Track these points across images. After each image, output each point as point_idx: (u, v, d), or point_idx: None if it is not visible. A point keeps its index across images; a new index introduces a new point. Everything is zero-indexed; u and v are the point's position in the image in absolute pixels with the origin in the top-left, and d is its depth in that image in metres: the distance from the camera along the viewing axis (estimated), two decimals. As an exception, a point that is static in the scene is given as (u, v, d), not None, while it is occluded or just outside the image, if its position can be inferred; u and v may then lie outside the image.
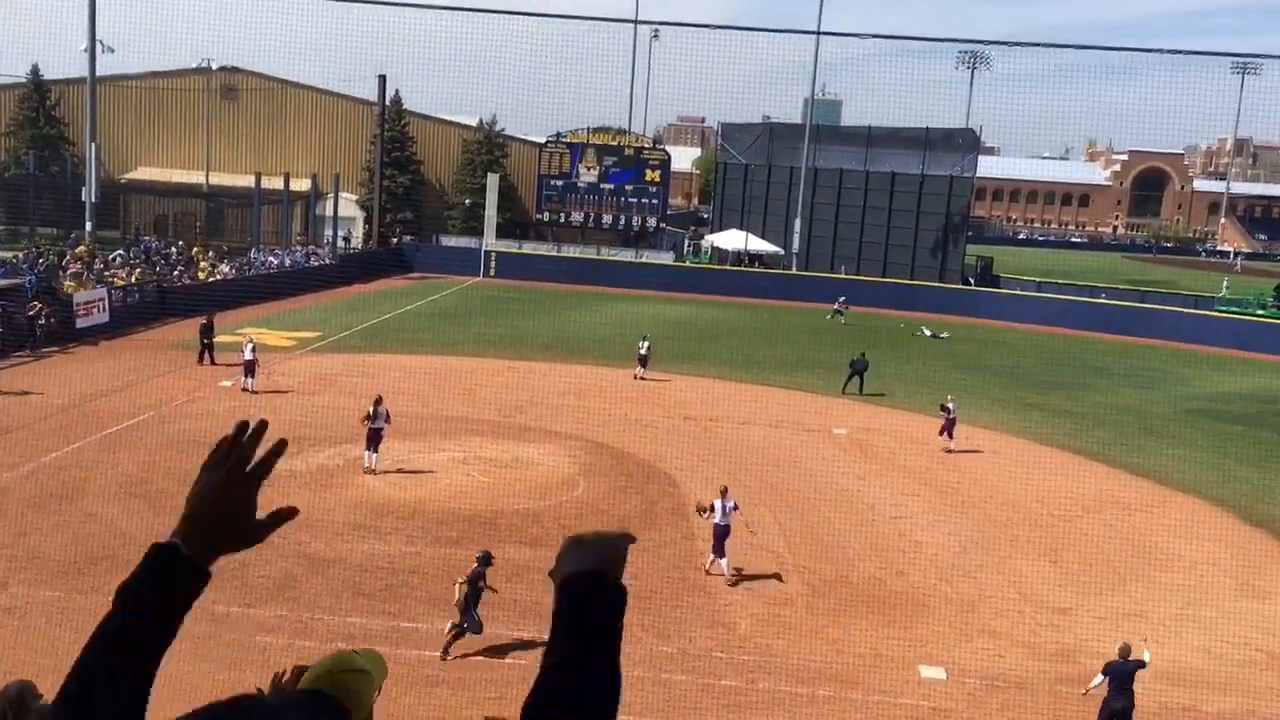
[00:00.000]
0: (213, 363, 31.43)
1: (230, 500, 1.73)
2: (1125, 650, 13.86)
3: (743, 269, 62.66)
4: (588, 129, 67.46)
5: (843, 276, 60.46)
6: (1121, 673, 13.63)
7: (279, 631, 15.14)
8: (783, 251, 64.09)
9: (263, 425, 1.83)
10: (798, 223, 63.25)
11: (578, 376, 32.81)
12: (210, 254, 49.79)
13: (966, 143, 64.11)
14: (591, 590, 1.70)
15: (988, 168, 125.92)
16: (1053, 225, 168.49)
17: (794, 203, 63.74)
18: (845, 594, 17.79)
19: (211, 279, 46.07)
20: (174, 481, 21.06)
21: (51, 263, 40.93)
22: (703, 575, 18.04)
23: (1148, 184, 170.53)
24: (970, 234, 70.91)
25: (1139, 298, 61.25)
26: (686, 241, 70.30)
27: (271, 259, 53.34)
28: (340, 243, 61.45)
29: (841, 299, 52.99)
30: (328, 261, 56.55)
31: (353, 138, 68.61)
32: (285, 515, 1.80)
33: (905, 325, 49.73)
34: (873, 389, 32.86)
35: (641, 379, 32.97)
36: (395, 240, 64.64)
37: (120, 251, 47.21)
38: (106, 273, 41.32)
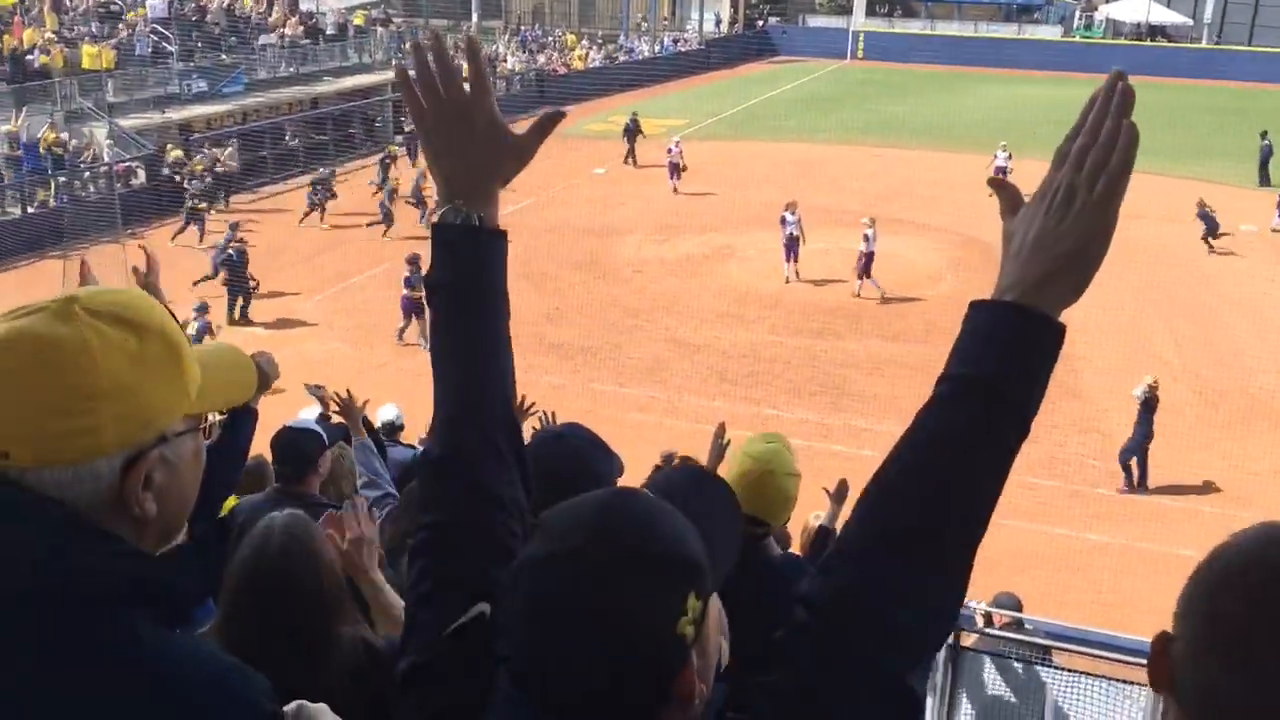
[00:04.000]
0: (635, 163, 31.75)
1: (462, 134, 1.53)
2: None
3: (1144, 43, 56.22)
4: (970, -111, 61.74)
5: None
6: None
7: (650, 410, 16.03)
8: (1192, 21, 56.71)
9: (437, 41, 1.58)
10: (1213, -13, 55.46)
11: (949, 166, 31.13)
12: (584, 41, 51.11)
13: None
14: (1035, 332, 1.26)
15: None
16: None
17: (1210, -36, 55.77)
18: (1242, 406, 16.30)
19: (585, 67, 47.46)
20: (553, 264, 22.43)
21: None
22: (1077, 380, 17.09)
23: None
24: None
25: None
26: (1078, 13, 63.73)
27: (640, 45, 54.00)
28: (710, 26, 60.97)
29: None
30: (694, 47, 56.47)
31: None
32: (554, 118, 1.60)
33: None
34: (1282, 179, 28.96)
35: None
36: (760, 23, 63.30)
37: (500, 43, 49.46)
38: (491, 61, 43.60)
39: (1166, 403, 16.53)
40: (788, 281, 21.65)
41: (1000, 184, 1.40)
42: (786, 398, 16.51)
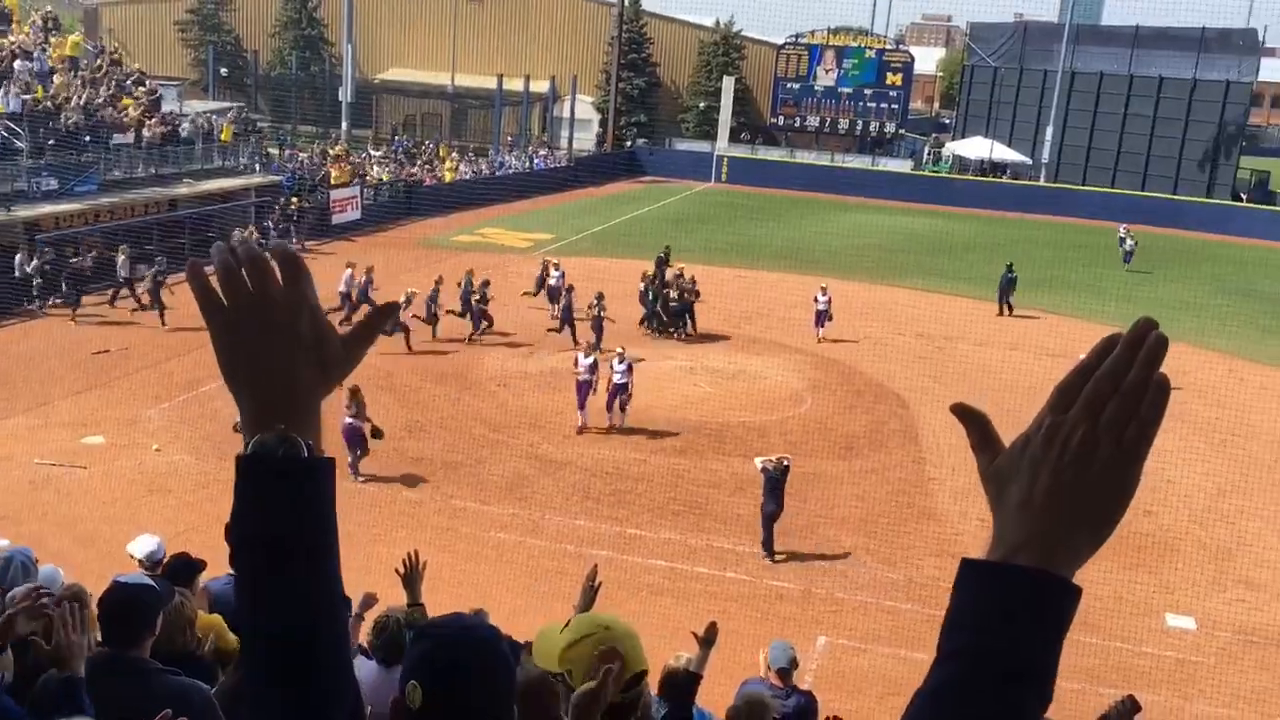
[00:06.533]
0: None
1: (281, 337, 1.20)
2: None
3: (987, 179, 59.64)
4: (828, 29, 65.20)
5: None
6: (773, 477, 14.96)
7: (512, 529, 15.69)
8: (1030, 161, 60.54)
9: (257, 254, 1.23)
10: (1049, 131, 59.42)
11: (807, 288, 32.08)
12: (454, 154, 51.48)
13: (1246, 44, 58.10)
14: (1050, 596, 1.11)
15: (1271, 72, 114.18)
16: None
17: (1046, 109, 59.83)
18: (1113, 540, 16.86)
19: (455, 179, 47.71)
20: (415, 376, 22.04)
21: (314, 160, 43.30)
22: (931, 501, 17.48)
23: None
24: (1245, 145, 64.70)
25: None
26: (926, 149, 67.40)
27: (510, 160, 54.64)
28: (587, 145, 62.09)
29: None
30: (563, 164, 57.45)
31: (592, 39, 68.73)
32: (385, 313, 1.34)
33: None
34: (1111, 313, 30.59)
35: (822, 341, 26.81)
36: (629, 143, 64.93)
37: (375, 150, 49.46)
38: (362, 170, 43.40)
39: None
40: (580, 431, 19.75)
41: (968, 413, 1.23)
42: (650, 517, 16.40)
